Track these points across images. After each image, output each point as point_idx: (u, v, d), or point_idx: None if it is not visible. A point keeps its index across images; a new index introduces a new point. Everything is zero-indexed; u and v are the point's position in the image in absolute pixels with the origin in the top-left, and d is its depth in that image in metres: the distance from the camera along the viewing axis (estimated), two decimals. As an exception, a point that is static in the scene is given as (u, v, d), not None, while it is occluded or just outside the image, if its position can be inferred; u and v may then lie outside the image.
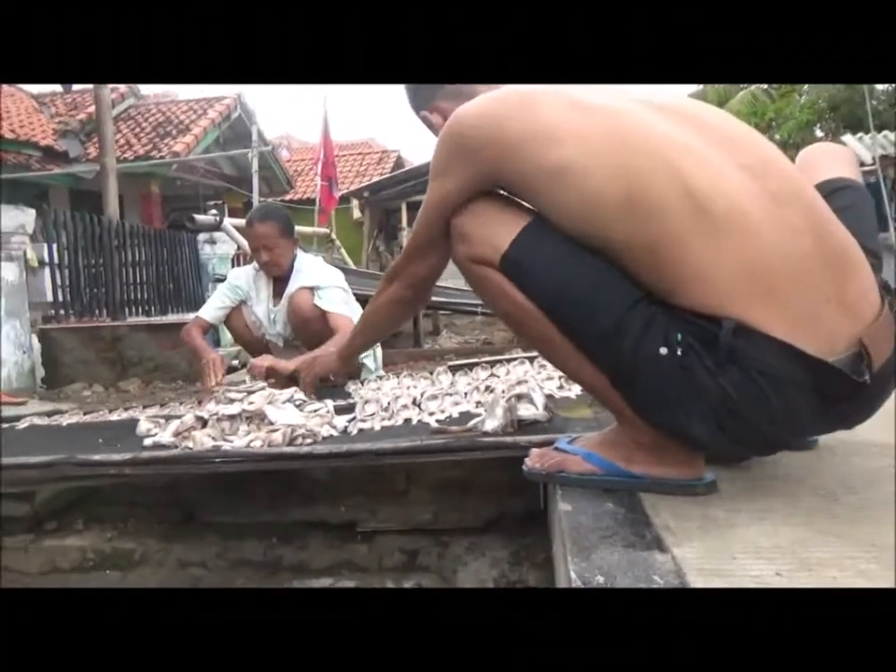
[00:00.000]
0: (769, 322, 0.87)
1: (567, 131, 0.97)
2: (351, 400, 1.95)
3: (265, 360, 2.32)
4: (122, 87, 11.94)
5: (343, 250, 9.42)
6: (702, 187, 0.90)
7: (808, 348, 0.86)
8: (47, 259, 4.90)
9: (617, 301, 0.95)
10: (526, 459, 1.14)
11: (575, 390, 1.73)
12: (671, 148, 0.94)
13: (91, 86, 5.66)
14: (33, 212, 4.05)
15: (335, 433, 1.63)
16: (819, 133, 12.63)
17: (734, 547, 0.83)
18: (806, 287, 0.89)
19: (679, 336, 0.91)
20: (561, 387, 1.78)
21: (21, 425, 2.26)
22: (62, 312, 4.92)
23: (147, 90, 13.09)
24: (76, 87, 6.04)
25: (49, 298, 4.90)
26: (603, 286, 0.96)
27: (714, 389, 0.89)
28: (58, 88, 5.66)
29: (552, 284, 0.99)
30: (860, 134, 8.57)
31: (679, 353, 0.91)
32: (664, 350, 0.91)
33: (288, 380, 2.56)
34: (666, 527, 0.90)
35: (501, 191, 1.08)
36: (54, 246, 4.94)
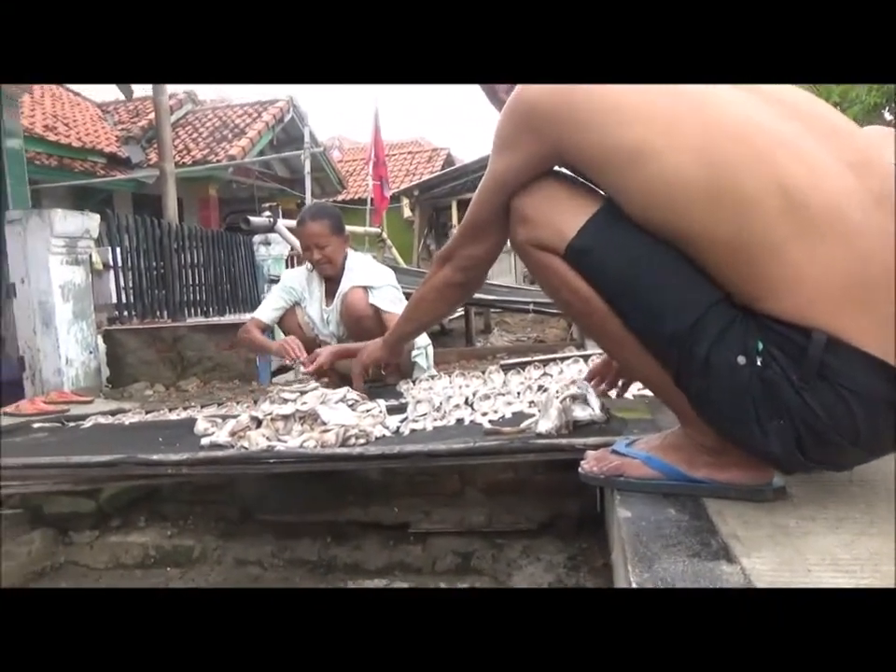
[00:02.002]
0: (861, 335, 0.81)
1: (644, 107, 0.90)
2: (403, 400, 1.95)
3: (322, 356, 2.31)
4: (180, 93, 12.33)
5: (394, 249, 9.48)
6: (797, 182, 0.83)
7: None
8: (111, 263, 5.08)
9: (693, 300, 0.88)
10: (583, 462, 1.11)
11: (632, 390, 1.68)
12: (764, 137, 0.86)
13: (151, 93, 5.81)
14: (97, 217, 4.20)
15: (388, 433, 1.62)
16: (888, 117, 12.02)
17: (808, 558, 0.78)
18: None
19: (761, 345, 0.84)
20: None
21: (87, 423, 2.34)
22: (125, 313, 5.09)
23: (203, 94, 13.46)
24: (136, 94, 6.22)
25: (114, 300, 5.08)
26: (678, 283, 0.90)
27: (797, 406, 0.83)
28: (121, 96, 5.87)
29: (621, 277, 0.93)
30: (933, 117, 8.12)
31: (758, 363, 0.84)
32: (741, 359, 0.85)
33: (341, 379, 2.58)
34: (734, 536, 0.85)
35: (567, 171, 1.02)
36: (118, 250, 5.12)
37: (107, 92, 10.96)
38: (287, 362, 2.28)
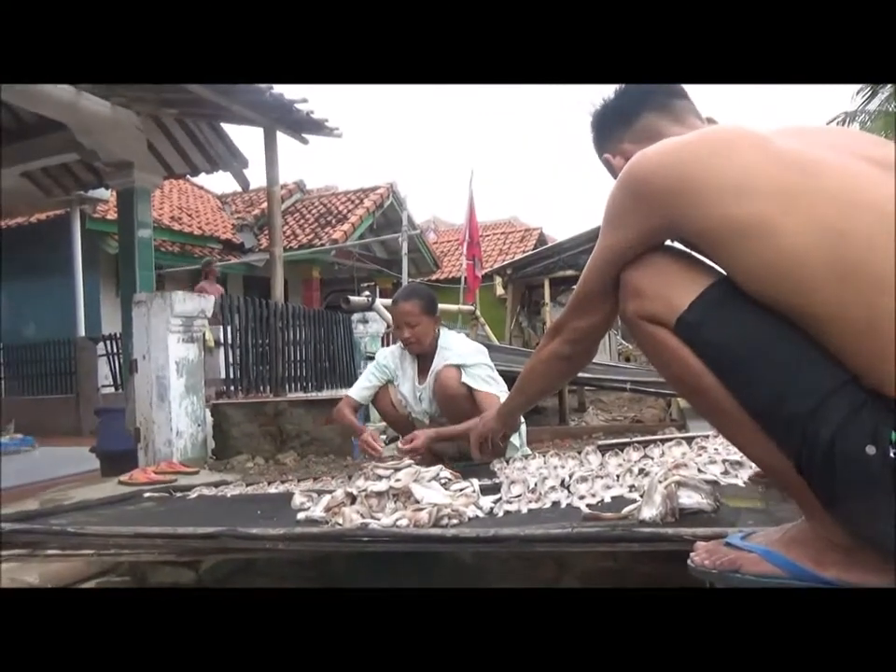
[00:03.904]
0: None
1: (760, 180, 0.87)
2: (497, 480, 1.91)
3: (419, 440, 2.33)
4: (291, 183, 13.31)
5: (486, 327, 9.56)
6: None
7: None
8: (222, 340, 5.39)
9: (815, 381, 0.82)
10: (693, 554, 1.02)
11: (743, 476, 1.56)
12: (891, 204, 0.81)
13: (265, 184, 6.31)
14: (212, 298, 4.51)
15: (481, 514, 1.58)
16: None
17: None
18: None
19: (895, 435, 0.77)
20: (726, 472, 1.62)
21: (192, 494, 2.43)
22: (231, 388, 5.36)
23: (311, 184, 14.45)
24: (252, 186, 6.77)
25: (222, 375, 5.36)
26: (798, 362, 0.84)
27: None
28: (238, 188, 6.43)
29: (735, 354, 0.88)
30: None
31: (892, 455, 0.76)
32: (871, 449, 0.77)
33: (434, 457, 2.57)
34: (873, 649, 0.75)
35: (680, 245, 1.00)
36: (228, 328, 5.45)
37: (227, 185, 12.03)
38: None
